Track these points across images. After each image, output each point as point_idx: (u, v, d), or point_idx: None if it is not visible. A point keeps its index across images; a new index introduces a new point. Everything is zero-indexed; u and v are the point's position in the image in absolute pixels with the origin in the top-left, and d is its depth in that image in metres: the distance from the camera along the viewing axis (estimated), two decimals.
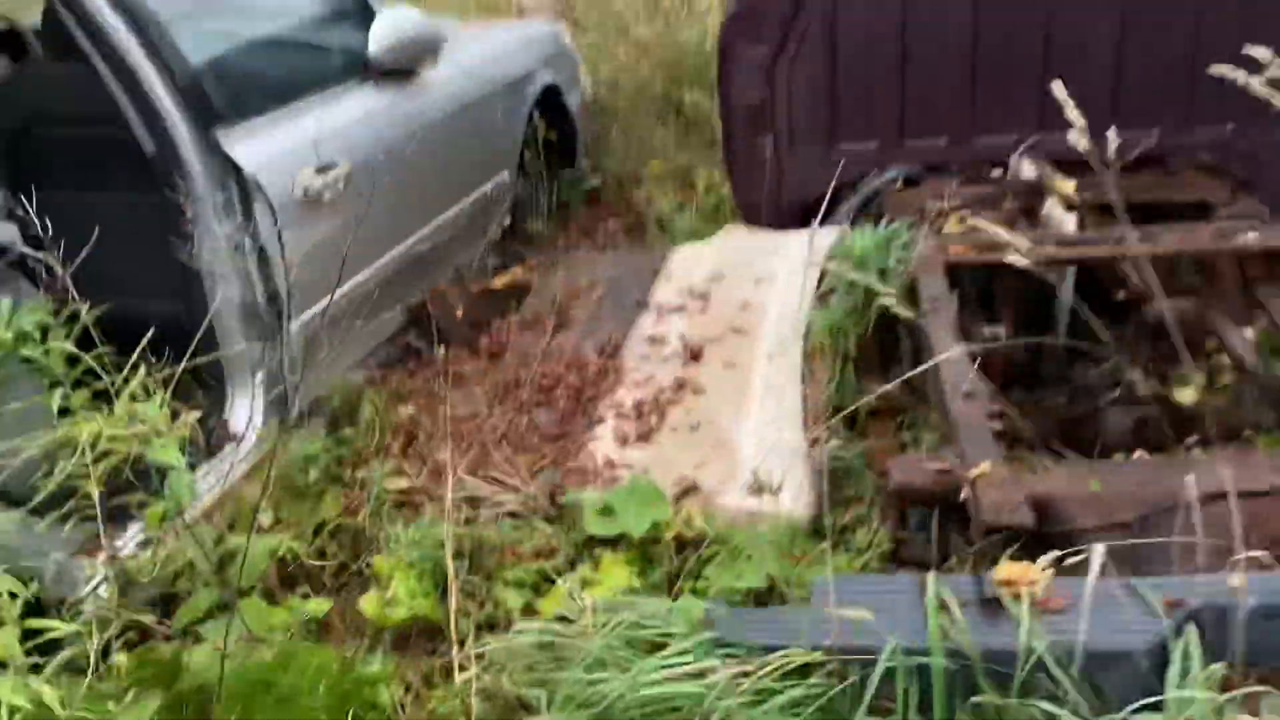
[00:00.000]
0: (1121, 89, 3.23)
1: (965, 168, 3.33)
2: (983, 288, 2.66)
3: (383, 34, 2.79)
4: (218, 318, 2.26)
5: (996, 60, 3.25)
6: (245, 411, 2.28)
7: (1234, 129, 3.20)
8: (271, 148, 2.35)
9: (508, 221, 3.61)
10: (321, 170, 2.44)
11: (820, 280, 2.88)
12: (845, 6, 3.25)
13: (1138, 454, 2.27)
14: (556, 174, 4.06)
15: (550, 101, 3.92)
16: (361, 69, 2.83)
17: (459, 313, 3.03)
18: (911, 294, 2.53)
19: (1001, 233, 2.53)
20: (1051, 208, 2.98)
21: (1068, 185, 2.99)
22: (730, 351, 2.76)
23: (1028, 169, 3.23)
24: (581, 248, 3.85)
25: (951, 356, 1.99)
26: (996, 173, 3.25)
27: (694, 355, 2.76)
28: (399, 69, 2.88)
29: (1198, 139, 3.23)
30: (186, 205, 2.13)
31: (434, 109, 3.01)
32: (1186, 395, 2.47)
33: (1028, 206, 3.03)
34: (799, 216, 3.47)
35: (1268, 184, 3.17)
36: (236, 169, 2.23)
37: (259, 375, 2.32)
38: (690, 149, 4.67)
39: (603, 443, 2.43)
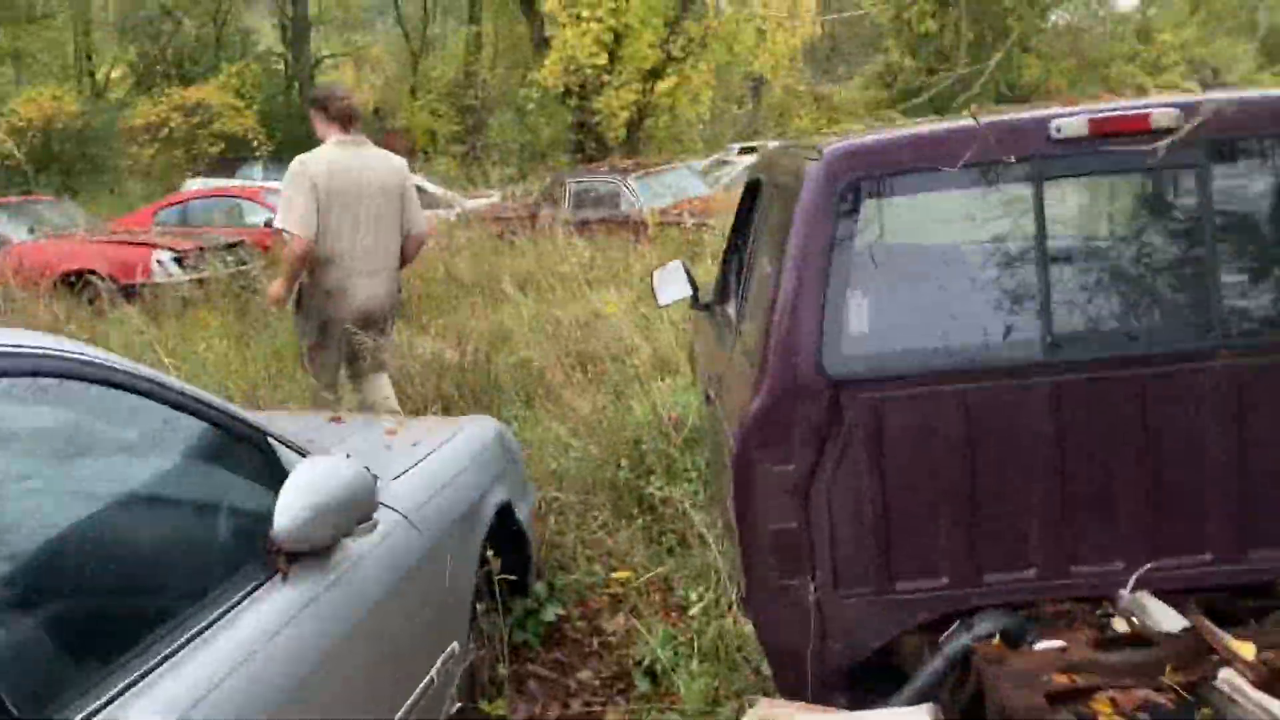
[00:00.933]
0: (1248, 501, 2.57)
1: (1063, 607, 2.56)
2: None
3: (297, 503, 1.91)
4: None
5: (1091, 470, 2.57)
6: None
7: None
8: None
9: (455, 709, 2.61)
10: None
11: None
12: (894, 411, 2.57)
13: None
14: (509, 609, 3.12)
15: (501, 522, 3.07)
16: (261, 550, 1.92)
17: None
18: None
19: None
20: (1228, 678, 2.19)
21: (1246, 650, 2.22)
22: None
23: (1158, 610, 2.47)
24: None
25: None
26: (1121, 625, 2.47)
27: None
28: (317, 549, 1.99)
29: None
30: None
31: (364, 595, 2.10)
32: None
33: (1190, 680, 2.23)
34: (853, 680, 2.61)
35: None
36: None
37: None
38: (664, 552, 3.83)
39: None
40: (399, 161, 4.66)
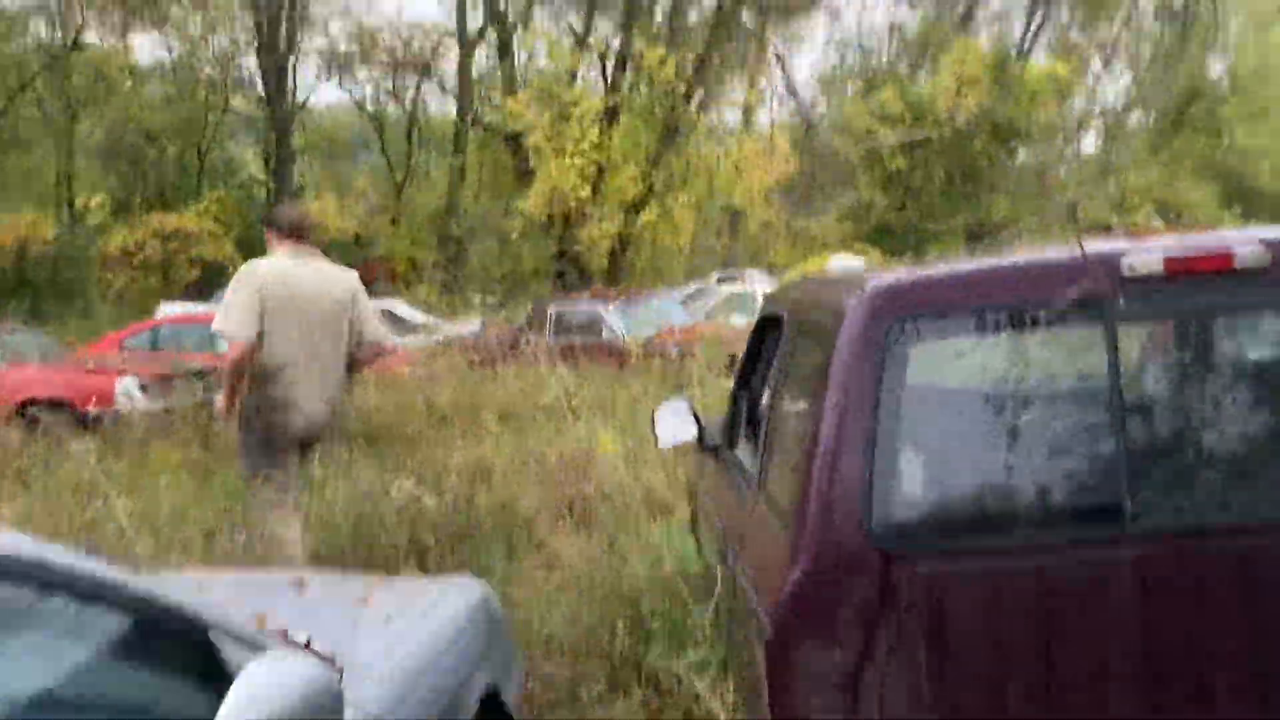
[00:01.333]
0: None
1: None
2: None
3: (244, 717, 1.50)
4: None
5: (1184, 657, 2.20)
6: None
7: None
8: None
9: None
10: None
11: None
12: (955, 587, 2.20)
13: None
14: None
15: (485, 708, 2.62)
16: None
17: None
18: None
19: None
20: None
21: None
22: None
23: None
24: None
25: None
26: None
27: None
28: None
29: None
30: None
31: None
32: None
33: None
34: None
35: None
36: None
37: None
38: None
39: None
40: (348, 274, 4.59)
